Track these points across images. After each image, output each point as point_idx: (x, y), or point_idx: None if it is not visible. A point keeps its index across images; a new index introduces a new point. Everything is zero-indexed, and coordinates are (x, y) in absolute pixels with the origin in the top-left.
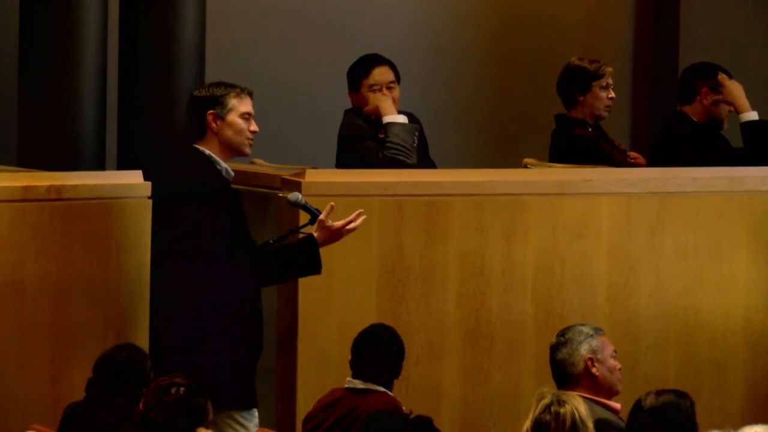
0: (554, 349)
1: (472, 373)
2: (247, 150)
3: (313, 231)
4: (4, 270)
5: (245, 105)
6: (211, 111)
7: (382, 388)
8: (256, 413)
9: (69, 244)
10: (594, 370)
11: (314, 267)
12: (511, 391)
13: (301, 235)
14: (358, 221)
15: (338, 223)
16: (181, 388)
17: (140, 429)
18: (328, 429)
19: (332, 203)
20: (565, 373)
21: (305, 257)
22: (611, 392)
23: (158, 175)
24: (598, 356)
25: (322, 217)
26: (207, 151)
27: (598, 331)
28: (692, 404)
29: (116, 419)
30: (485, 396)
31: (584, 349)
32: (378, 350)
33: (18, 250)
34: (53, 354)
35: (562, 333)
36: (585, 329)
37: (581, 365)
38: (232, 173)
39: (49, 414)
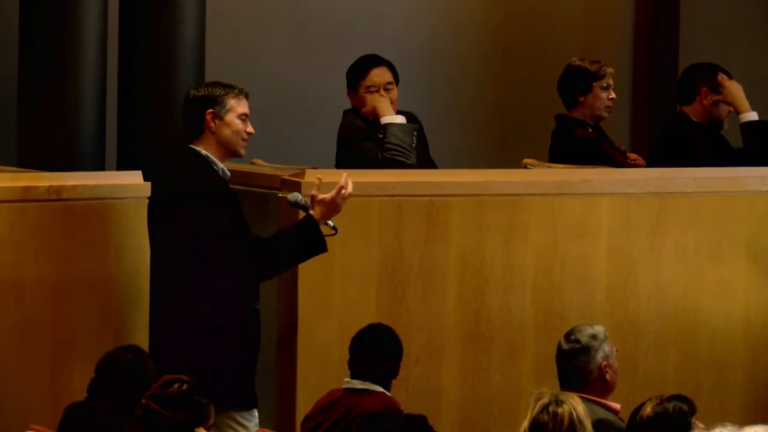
0: (571, 354)
1: (472, 373)
2: (242, 151)
3: (312, 210)
4: (4, 270)
5: (243, 106)
6: (210, 110)
7: (380, 388)
8: (256, 413)
9: (69, 244)
10: (608, 376)
11: (319, 246)
12: (511, 391)
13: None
14: (349, 186)
15: (329, 195)
16: (185, 385)
17: (141, 424)
18: (327, 430)
19: (320, 176)
20: (580, 379)
21: (307, 237)
22: (611, 391)
23: (154, 175)
24: (610, 361)
25: (313, 192)
26: (204, 152)
27: (605, 332)
28: (690, 412)
29: (117, 420)
30: (485, 396)
31: (600, 356)
32: (376, 350)
33: (18, 250)
34: (53, 354)
35: (577, 339)
36: (599, 333)
37: (597, 372)
38: (229, 174)
39: (49, 414)
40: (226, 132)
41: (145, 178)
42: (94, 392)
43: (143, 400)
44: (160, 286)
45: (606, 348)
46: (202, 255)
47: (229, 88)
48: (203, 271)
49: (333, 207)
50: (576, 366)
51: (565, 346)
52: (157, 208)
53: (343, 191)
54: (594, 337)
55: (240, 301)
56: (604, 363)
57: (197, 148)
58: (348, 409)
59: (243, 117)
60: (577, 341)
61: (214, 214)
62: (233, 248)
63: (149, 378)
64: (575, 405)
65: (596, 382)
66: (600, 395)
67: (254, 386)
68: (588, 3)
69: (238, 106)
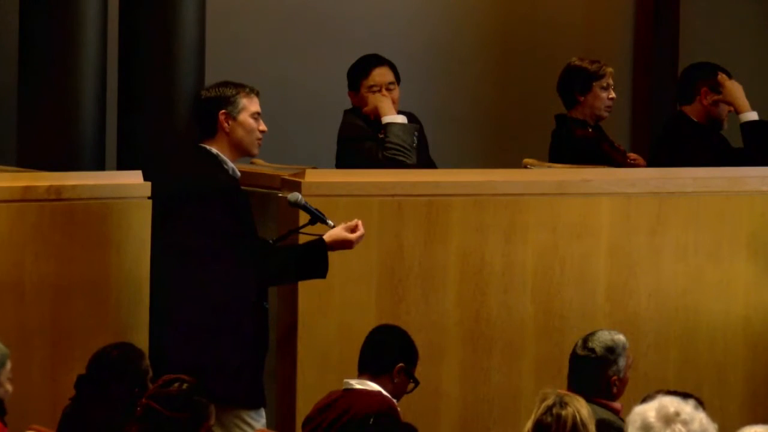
0: (583, 361)
1: (472, 373)
2: (256, 150)
3: (326, 236)
4: (4, 270)
5: (254, 105)
6: (223, 111)
7: (377, 388)
8: (264, 413)
9: (69, 244)
10: (614, 389)
11: (320, 270)
12: (511, 391)
13: (311, 236)
14: (362, 228)
15: (355, 235)
16: (185, 384)
17: (142, 423)
18: (324, 430)
19: (358, 221)
20: (587, 385)
21: (312, 258)
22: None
23: (164, 174)
24: (620, 376)
25: (343, 226)
26: (215, 151)
27: (624, 344)
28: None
29: (107, 416)
30: (485, 396)
31: (611, 371)
32: (376, 350)
33: (18, 250)
34: (53, 354)
35: (593, 349)
36: (617, 346)
37: (605, 384)
38: (239, 173)
39: (49, 414)
40: (240, 132)
41: (146, 178)
42: (82, 388)
43: (143, 400)
44: (165, 285)
45: (621, 362)
46: (209, 254)
47: (240, 87)
48: (208, 270)
49: (348, 244)
50: (585, 374)
51: (580, 352)
52: (164, 206)
53: (357, 233)
54: (611, 350)
55: (247, 300)
56: (614, 377)
57: (208, 147)
58: (344, 409)
59: (255, 116)
60: (593, 351)
61: (222, 213)
62: (240, 248)
63: (141, 375)
64: (579, 407)
65: (602, 390)
66: (602, 399)
67: (263, 385)
68: (588, 3)
69: (250, 105)
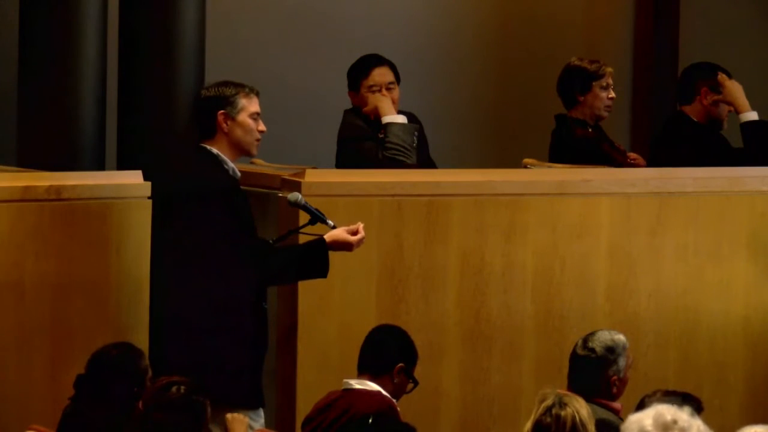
0: (583, 361)
1: (472, 373)
2: (255, 150)
3: (326, 236)
4: (4, 270)
5: (254, 105)
6: (222, 111)
7: (377, 388)
8: (262, 413)
9: (69, 244)
10: (614, 389)
11: (320, 270)
12: (511, 391)
13: (311, 236)
14: (362, 232)
15: (356, 238)
16: (182, 387)
17: (143, 427)
18: (324, 430)
19: (361, 223)
20: (587, 385)
21: (312, 257)
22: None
23: (164, 173)
24: (620, 376)
25: (345, 229)
26: (215, 151)
27: (624, 344)
28: (698, 410)
29: (106, 416)
30: (485, 396)
31: (611, 371)
32: (375, 350)
33: (18, 250)
34: (53, 354)
35: (593, 348)
36: (617, 346)
37: (604, 384)
38: (239, 173)
39: (49, 414)
40: (239, 132)
41: (146, 178)
42: (81, 388)
43: (141, 403)
44: (165, 284)
45: (621, 362)
46: (208, 254)
47: (239, 87)
48: (208, 270)
49: (348, 246)
50: (585, 374)
51: (580, 352)
52: (164, 206)
53: (359, 236)
54: (611, 350)
55: (245, 300)
56: (614, 377)
57: (208, 147)
58: (344, 409)
59: (254, 116)
60: (593, 351)
61: (221, 213)
62: (239, 248)
63: (140, 374)
64: (579, 408)
65: (602, 390)
66: (602, 399)
67: (262, 386)
68: (588, 3)
69: (249, 105)
